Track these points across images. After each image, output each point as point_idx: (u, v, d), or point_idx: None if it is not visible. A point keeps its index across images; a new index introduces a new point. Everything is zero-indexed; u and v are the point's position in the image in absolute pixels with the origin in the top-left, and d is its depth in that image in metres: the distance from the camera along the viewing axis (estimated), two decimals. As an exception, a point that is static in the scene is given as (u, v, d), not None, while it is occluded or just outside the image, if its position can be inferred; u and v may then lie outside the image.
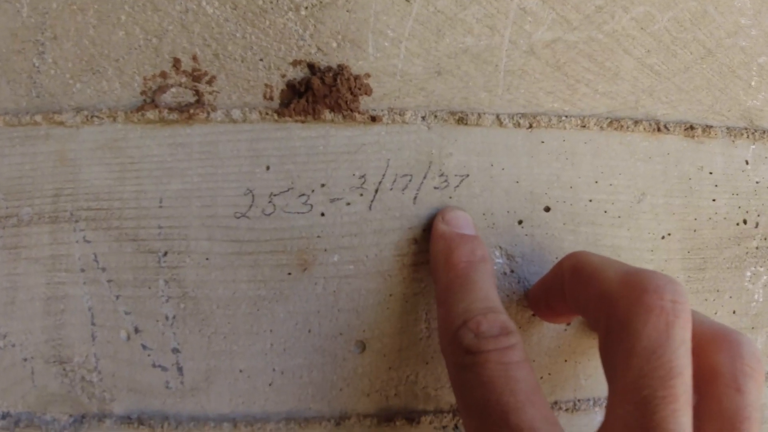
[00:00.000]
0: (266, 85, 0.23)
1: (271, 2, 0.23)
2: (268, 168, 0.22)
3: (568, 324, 0.23)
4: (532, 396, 0.14)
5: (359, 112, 0.22)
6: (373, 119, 0.22)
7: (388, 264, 0.21)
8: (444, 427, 0.22)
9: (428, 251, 0.21)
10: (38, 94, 0.23)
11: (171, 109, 0.22)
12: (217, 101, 0.22)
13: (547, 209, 0.23)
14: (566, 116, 0.24)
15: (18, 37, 0.23)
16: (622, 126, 0.25)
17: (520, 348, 0.16)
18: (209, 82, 0.23)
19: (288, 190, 0.22)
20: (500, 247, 0.22)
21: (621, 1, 0.26)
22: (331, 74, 0.22)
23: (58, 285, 0.22)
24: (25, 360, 0.21)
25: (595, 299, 0.16)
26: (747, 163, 0.26)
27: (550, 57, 0.24)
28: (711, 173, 0.26)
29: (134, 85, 0.23)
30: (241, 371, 0.21)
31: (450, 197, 0.22)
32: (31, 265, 0.22)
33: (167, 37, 0.23)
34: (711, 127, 0.26)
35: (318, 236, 0.22)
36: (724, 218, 0.25)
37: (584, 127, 0.24)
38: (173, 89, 0.23)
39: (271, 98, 0.23)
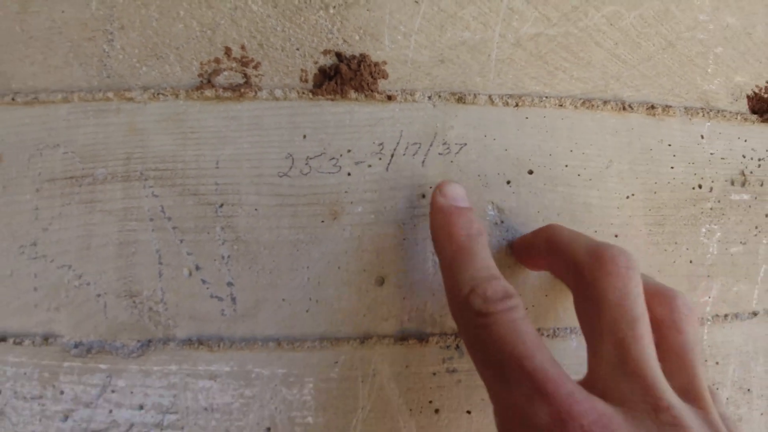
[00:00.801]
0: (302, 70, 0.29)
1: (305, 2, 0.29)
2: (304, 137, 0.28)
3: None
4: (538, 343, 0.19)
5: (378, 92, 0.29)
6: (389, 98, 0.29)
7: (402, 214, 0.28)
8: (447, 347, 0.28)
9: None
10: (108, 75, 0.29)
11: (224, 89, 0.28)
12: (262, 83, 0.29)
13: (531, 172, 0.29)
14: (546, 97, 0.31)
15: (88, 27, 0.29)
16: (593, 105, 0.31)
17: (521, 306, 0.20)
18: (255, 67, 0.29)
19: (321, 155, 0.28)
20: (492, 202, 0.29)
21: (593, 1, 0.32)
22: (355, 61, 0.28)
23: (130, 232, 0.27)
24: (98, 296, 0.27)
25: (566, 266, 0.22)
26: (702, 137, 0.33)
27: (534, 48, 0.31)
28: (670, 145, 0.32)
29: (192, 69, 0.29)
30: (283, 300, 0.27)
31: (451, 161, 0.29)
32: (105, 216, 0.27)
33: (219, 29, 0.29)
34: (670, 107, 0.33)
35: (345, 192, 0.28)
36: (681, 183, 0.32)
37: (561, 106, 0.31)
38: (225, 72, 0.29)
39: (306, 81, 0.29)
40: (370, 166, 0.28)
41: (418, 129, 0.29)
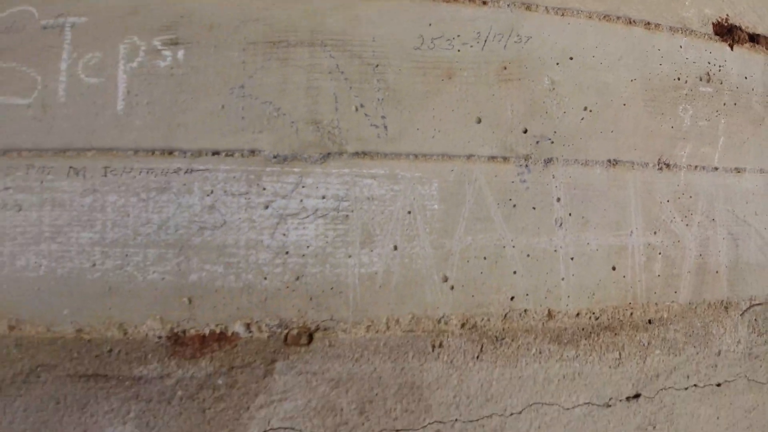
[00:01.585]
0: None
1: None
2: (430, 25, 0.43)
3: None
4: None
5: (473, 0, 0.44)
6: (484, 3, 0.44)
7: (492, 78, 0.43)
8: (520, 165, 0.44)
9: (512, 72, 0.43)
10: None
11: (376, -11, 0.43)
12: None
13: (571, 58, 0.46)
14: (581, 11, 0.47)
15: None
16: (610, 19, 0.48)
17: None
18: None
19: (440, 37, 0.43)
20: (548, 75, 0.45)
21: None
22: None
23: (314, 80, 0.41)
24: (292, 123, 0.41)
25: None
26: (681, 47, 0.50)
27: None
28: (659, 50, 0.49)
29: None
30: (417, 129, 0.42)
31: (522, 47, 0.44)
32: (296, 69, 0.41)
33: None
34: (660, 24, 0.50)
35: (456, 62, 0.43)
36: (666, 75, 0.49)
37: (590, 18, 0.47)
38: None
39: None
40: (471, 46, 0.43)
41: (502, 25, 0.44)
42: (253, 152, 0.39)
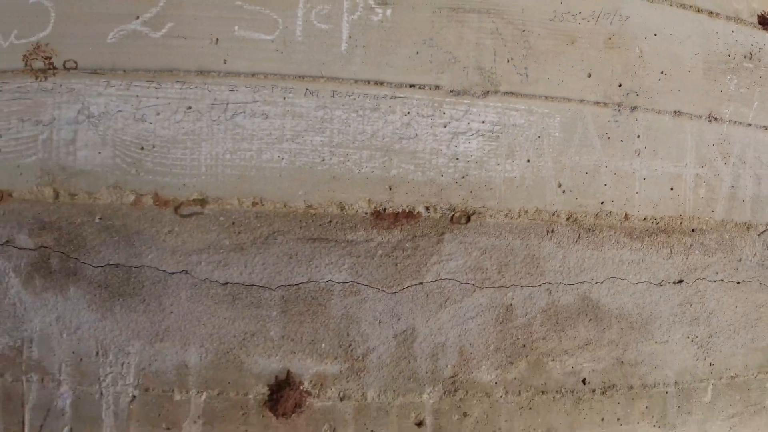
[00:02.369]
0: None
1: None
2: (561, 3, 0.61)
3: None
4: None
5: None
6: None
7: (601, 45, 0.63)
8: None
9: (614, 42, 0.62)
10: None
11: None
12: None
13: (655, 35, 0.65)
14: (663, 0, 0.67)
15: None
16: (684, 7, 0.67)
17: None
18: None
19: (567, 12, 0.62)
20: (638, 47, 0.64)
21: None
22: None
23: (481, 38, 0.60)
24: (464, 68, 0.59)
25: None
26: (732, 32, 0.70)
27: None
28: (717, 33, 0.70)
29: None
30: (548, 78, 0.61)
31: (622, 24, 0.63)
32: (468, 29, 0.60)
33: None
34: (719, 14, 0.70)
35: (576, 31, 0.62)
36: (720, 52, 0.70)
37: (671, 5, 0.67)
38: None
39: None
40: (588, 21, 0.63)
41: (609, 7, 0.64)
42: (437, 87, 0.58)
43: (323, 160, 0.58)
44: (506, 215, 0.59)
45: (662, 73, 0.63)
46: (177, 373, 0.59)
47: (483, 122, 0.59)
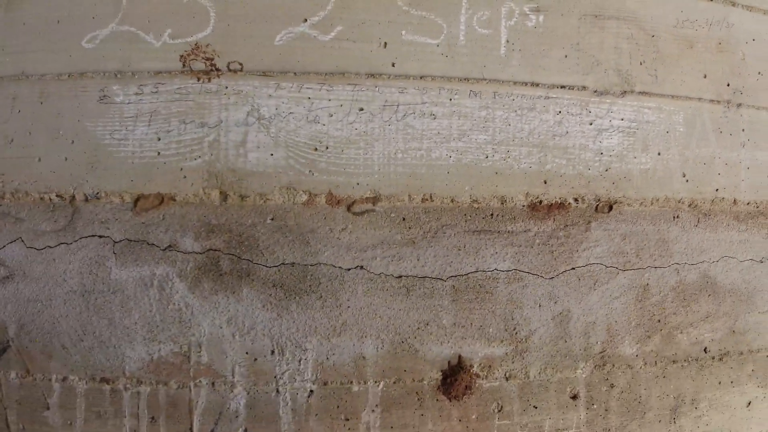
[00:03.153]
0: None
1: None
2: (682, 11, 0.72)
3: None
4: None
5: None
6: (710, 0, 0.74)
7: (713, 49, 0.74)
8: None
9: (723, 47, 0.73)
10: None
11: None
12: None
13: (754, 39, 0.78)
14: (760, 8, 0.78)
15: None
16: (734, 4, 0.80)
17: None
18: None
19: (686, 20, 0.72)
20: (741, 50, 0.76)
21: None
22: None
23: (618, 43, 0.69)
24: (605, 70, 0.68)
25: None
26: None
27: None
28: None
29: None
30: (673, 79, 0.71)
31: (729, 30, 0.75)
32: (608, 34, 0.68)
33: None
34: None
35: (694, 37, 0.73)
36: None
37: (764, 13, 0.79)
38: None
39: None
40: (703, 28, 0.73)
41: (719, 15, 0.75)
42: (584, 87, 0.67)
43: (486, 157, 0.66)
44: (641, 203, 0.69)
45: (759, 73, 0.76)
46: (354, 365, 0.65)
47: (622, 119, 0.68)
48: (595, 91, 0.67)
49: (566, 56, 0.66)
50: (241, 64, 0.62)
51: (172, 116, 0.62)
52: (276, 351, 0.63)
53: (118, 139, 0.63)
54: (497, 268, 0.66)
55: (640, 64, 0.69)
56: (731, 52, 0.73)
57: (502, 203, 0.66)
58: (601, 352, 0.69)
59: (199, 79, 0.62)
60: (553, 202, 0.67)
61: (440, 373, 0.65)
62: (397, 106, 0.63)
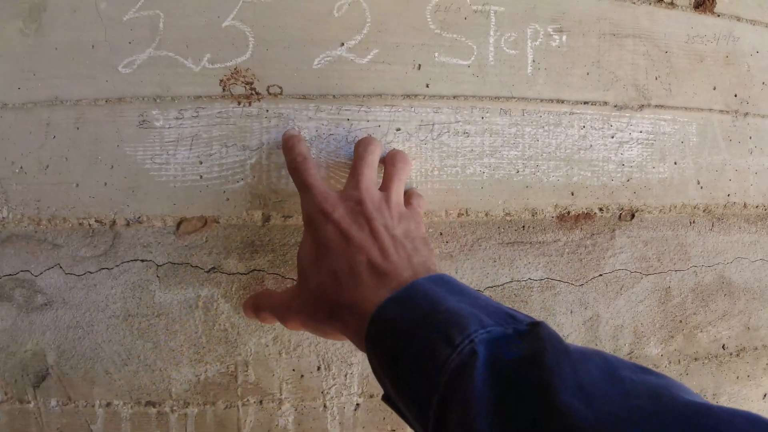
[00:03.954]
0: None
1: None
2: (692, 27, 0.79)
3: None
4: (314, 173, 0.56)
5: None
6: (718, 16, 0.82)
7: (721, 62, 0.82)
8: None
9: (730, 60, 0.81)
10: None
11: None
12: None
13: (758, 52, 0.86)
14: (762, 22, 0.87)
15: None
16: (739, 19, 0.89)
17: (310, 160, 0.58)
18: None
19: (696, 36, 0.80)
20: (746, 62, 0.84)
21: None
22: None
23: (635, 59, 0.76)
24: (624, 86, 0.75)
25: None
26: None
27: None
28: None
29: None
30: (685, 92, 0.79)
31: (734, 44, 0.83)
32: (624, 52, 0.75)
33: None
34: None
35: (703, 51, 0.81)
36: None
37: (766, 26, 0.87)
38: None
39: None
40: (711, 42, 0.81)
41: (725, 30, 0.83)
42: (605, 102, 0.74)
43: (518, 171, 0.72)
44: (660, 211, 0.77)
45: (763, 83, 0.84)
46: (399, 377, 0.70)
47: (641, 132, 0.75)
48: (616, 106, 0.74)
49: (588, 73, 0.73)
50: (280, 87, 0.67)
51: (213, 140, 0.66)
52: (322, 367, 0.68)
53: (159, 163, 0.67)
54: (531, 278, 0.72)
55: (656, 78, 0.76)
56: (737, 64, 0.82)
57: (533, 215, 0.72)
58: (629, 354, 0.76)
59: (239, 103, 0.67)
60: (580, 212, 0.74)
61: (480, 381, 0.71)
62: (433, 125, 0.69)
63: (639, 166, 0.75)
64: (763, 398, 0.83)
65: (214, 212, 0.67)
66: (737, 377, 0.81)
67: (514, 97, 0.70)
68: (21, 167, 0.68)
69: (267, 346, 0.68)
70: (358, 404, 0.68)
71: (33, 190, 0.68)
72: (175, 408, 0.68)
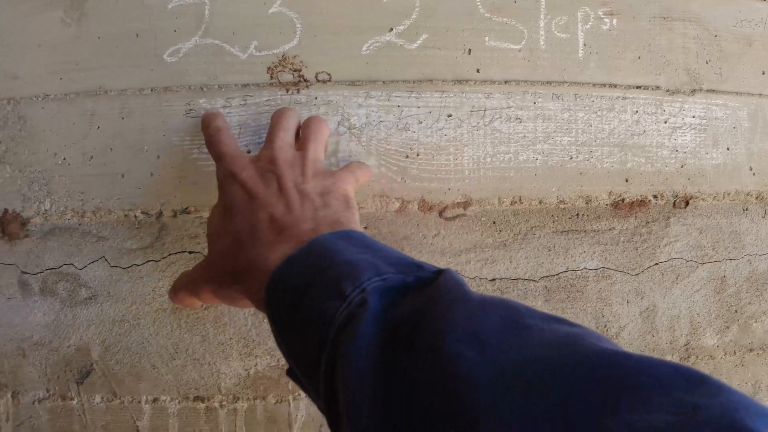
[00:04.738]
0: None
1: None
2: (740, 11, 0.77)
3: None
4: (228, 141, 0.55)
5: None
6: (763, 0, 0.80)
7: None
8: None
9: None
10: None
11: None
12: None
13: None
14: None
15: None
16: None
17: (225, 129, 0.58)
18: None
19: (744, 20, 0.78)
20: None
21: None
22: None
23: (686, 43, 0.73)
24: (676, 69, 0.73)
25: None
26: None
27: None
28: None
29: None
30: (736, 76, 0.77)
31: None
32: (675, 35, 0.73)
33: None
34: None
35: (752, 35, 0.78)
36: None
37: None
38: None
39: None
40: (759, 26, 0.79)
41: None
42: (657, 87, 0.71)
43: (571, 158, 0.70)
44: (714, 198, 0.74)
45: None
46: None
47: (693, 117, 0.73)
48: (668, 90, 0.72)
49: (639, 57, 0.71)
50: (329, 74, 0.65)
51: (261, 128, 0.64)
52: (375, 359, 0.66)
53: (207, 153, 0.65)
54: (586, 267, 0.70)
55: (706, 63, 0.74)
56: (785, 48, 0.79)
57: (587, 203, 0.70)
58: (685, 345, 0.73)
59: (288, 91, 0.65)
60: (635, 199, 0.71)
61: (536, 374, 0.69)
62: (484, 110, 0.67)
63: (692, 152, 0.72)
64: (821, 390, 0.80)
65: (264, 202, 0.64)
66: (793, 369, 0.78)
67: (566, 82, 0.68)
68: (64, 158, 0.66)
69: (318, 338, 0.65)
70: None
71: (77, 182, 0.66)
72: (224, 403, 0.65)
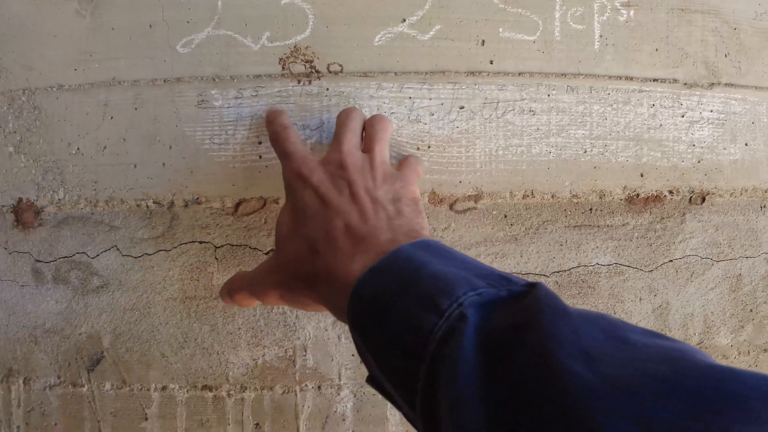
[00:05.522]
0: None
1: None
2: (759, 4, 0.75)
3: None
4: (295, 140, 0.53)
5: None
6: None
7: None
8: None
9: None
10: None
11: None
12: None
13: None
14: None
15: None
16: None
17: (292, 129, 0.56)
18: None
19: (764, 12, 0.75)
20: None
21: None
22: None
23: (704, 36, 0.71)
24: (693, 62, 0.71)
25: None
26: None
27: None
28: None
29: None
30: (756, 70, 0.74)
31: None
32: (693, 27, 0.71)
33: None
34: None
35: None
36: None
37: None
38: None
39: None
40: None
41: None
42: (674, 80, 0.69)
43: (585, 151, 0.68)
44: (731, 194, 0.72)
45: None
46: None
47: (711, 111, 0.71)
48: (686, 84, 0.70)
49: (657, 50, 0.69)
50: (341, 65, 0.64)
51: (272, 119, 0.63)
52: (383, 352, 0.65)
53: (218, 143, 0.64)
54: (599, 263, 0.68)
55: (725, 56, 0.71)
56: (807, 42, 0.77)
57: (601, 197, 0.68)
58: (699, 344, 0.71)
59: (299, 82, 0.64)
60: (650, 194, 0.69)
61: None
62: (497, 103, 0.65)
63: (710, 147, 0.70)
64: (840, 393, 0.77)
65: (274, 193, 0.64)
66: (810, 370, 0.75)
67: (582, 74, 0.66)
68: (78, 148, 0.66)
69: (326, 330, 0.64)
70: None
71: (90, 172, 0.66)
72: (232, 392, 0.65)
